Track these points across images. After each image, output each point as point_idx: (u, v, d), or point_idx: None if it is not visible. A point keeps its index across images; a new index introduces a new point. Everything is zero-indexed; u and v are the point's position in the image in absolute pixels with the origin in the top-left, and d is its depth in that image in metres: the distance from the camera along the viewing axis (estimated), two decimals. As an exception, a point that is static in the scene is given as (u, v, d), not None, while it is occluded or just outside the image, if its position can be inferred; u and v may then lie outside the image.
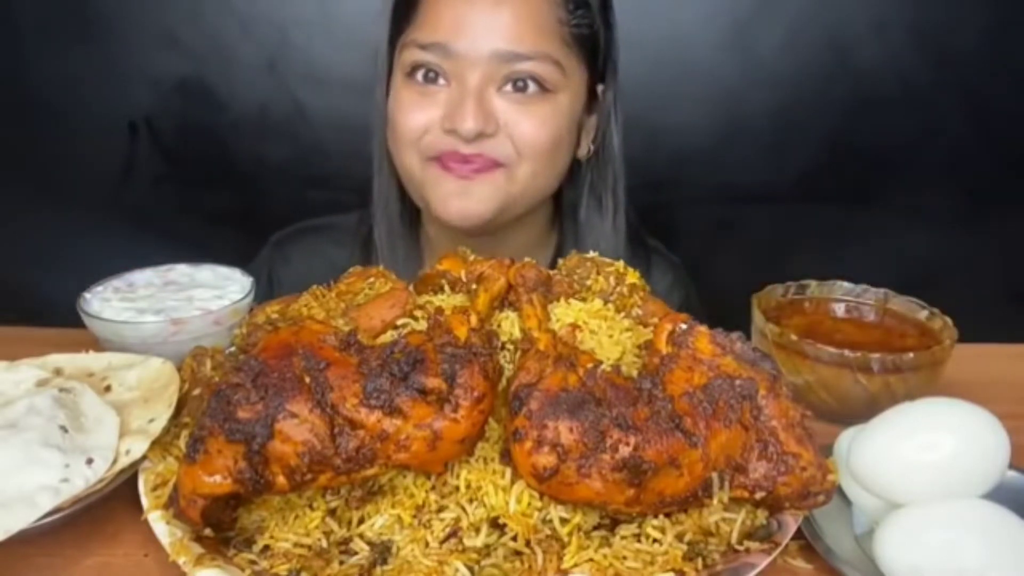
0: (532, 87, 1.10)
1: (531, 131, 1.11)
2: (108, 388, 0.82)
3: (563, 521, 0.64)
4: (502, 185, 1.13)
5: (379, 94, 1.22)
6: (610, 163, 1.27)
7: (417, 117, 1.12)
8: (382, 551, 0.63)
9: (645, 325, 0.80)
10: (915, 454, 0.66)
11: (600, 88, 1.23)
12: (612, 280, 0.85)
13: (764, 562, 0.62)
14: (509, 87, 1.10)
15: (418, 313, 0.79)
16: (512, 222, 1.20)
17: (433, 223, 1.25)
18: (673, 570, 0.61)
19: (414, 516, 0.65)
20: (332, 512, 0.66)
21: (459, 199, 1.13)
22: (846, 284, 1.04)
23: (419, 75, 1.12)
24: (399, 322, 0.78)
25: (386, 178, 1.26)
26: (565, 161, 1.20)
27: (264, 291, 1.29)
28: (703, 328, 0.70)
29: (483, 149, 1.10)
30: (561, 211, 1.30)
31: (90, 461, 0.68)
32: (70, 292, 0.95)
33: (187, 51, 1.90)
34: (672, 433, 0.61)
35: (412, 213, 1.29)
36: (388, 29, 1.18)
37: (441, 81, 1.11)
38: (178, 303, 0.94)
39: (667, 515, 0.64)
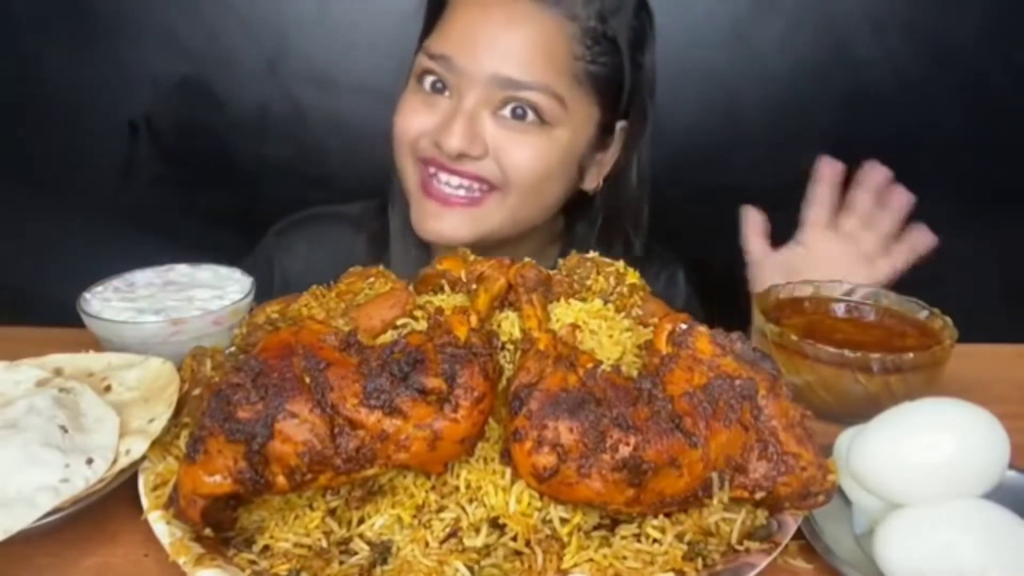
0: (531, 116, 1.09)
1: (521, 160, 1.10)
2: (108, 388, 0.81)
3: (563, 521, 0.64)
4: (479, 216, 1.13)
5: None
6: (623, 200, 1.25)
7: (414, 122, 1.12)
8: (382, 551, 0.63)
9: (645, 325, 0.80)
10: (915, 454, 0.66)
11: (620, 125, 1.20)
12: (612, 280, 0.85)
13: (764, 562, 0.62)
14: (507, 112, 1.09)
15: (418, 313, 0.79)
16: (514, 238, 1.19)
17: None
18: (673, 570, 0.61)
19: (414, 516, 0.65)
20: (332, 512, 0.66)
21: (435, 220, 1.14)
22: (846, 284, 1.04)
23: (427, 82, 1.12)
24: (399, 322, 0.78)
25: (398, 177, 1.26)
26: (555, 195, 1.18)
27: (266, 281, 1.29)
28: (703, 328, 0.70)
29: (467, 168, 1.10)
30: (571, 230, 1.29)
31: (90, 461, 0.68)
32: (70, 292, 0.95)
33: (187, 51, 1.90)
34: (672, 433, 0.61)
35: None
36: (420, 32, 1.18)
37: (447, 93, 1.11)
38: (178, 303, 0.94)
39: (667, 515, 0.64)
